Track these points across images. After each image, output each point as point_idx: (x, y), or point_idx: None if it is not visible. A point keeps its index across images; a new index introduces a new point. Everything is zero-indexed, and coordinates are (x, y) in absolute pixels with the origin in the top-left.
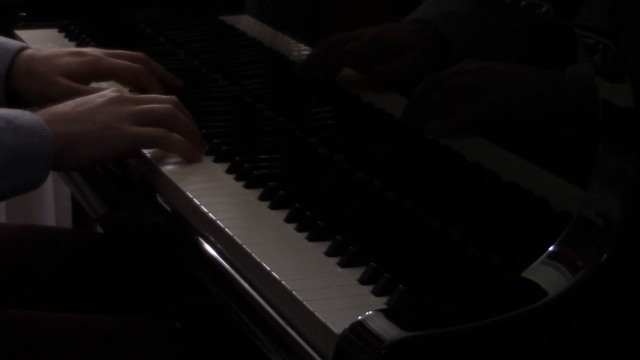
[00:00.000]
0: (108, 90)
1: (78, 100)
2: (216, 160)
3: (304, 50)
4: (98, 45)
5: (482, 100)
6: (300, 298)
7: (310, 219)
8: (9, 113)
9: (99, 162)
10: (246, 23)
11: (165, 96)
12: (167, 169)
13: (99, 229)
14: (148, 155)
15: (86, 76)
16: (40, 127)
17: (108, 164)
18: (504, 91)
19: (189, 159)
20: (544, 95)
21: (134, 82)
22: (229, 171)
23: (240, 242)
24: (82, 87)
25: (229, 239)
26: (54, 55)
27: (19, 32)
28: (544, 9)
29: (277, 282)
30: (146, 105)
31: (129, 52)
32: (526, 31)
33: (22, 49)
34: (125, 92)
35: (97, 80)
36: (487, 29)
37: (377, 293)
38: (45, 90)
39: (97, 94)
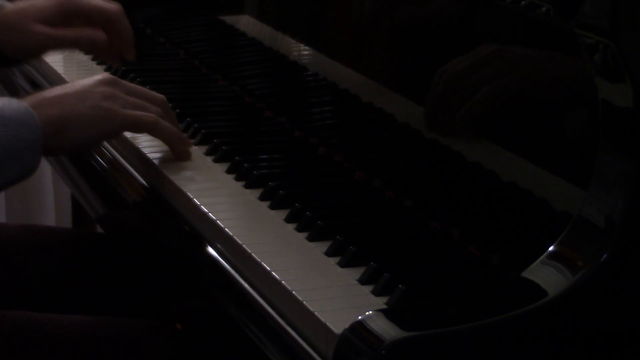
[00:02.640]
0: (100, 75)
1: (67, 84)
2: (216, 160)
3: (304, 50)
4: None
5: (496, 83)
6: (300, 298)
7: (310, 219)
8: None
9: (90, 144)
10: (246, 23)
11: (156, 95)
12: (168, 169)
13: (99, 229)
14: (149, 155)
15: (61, 18)
16: (28, 115)
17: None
18: (520, 73)
19: (177, 150)
20: (562, 77)
21: (107, 26)
22: (229, 171)
23: (240, 242)
24: (60, 33)
25: (229, 239)
26: (25, 4)
27: None
28: (544, 9)
29: (277, 282)
30: (139, 100)
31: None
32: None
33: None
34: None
35: (72, 23)
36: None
37: (377, 293)
38: (24, 41)
39: (87, 79)
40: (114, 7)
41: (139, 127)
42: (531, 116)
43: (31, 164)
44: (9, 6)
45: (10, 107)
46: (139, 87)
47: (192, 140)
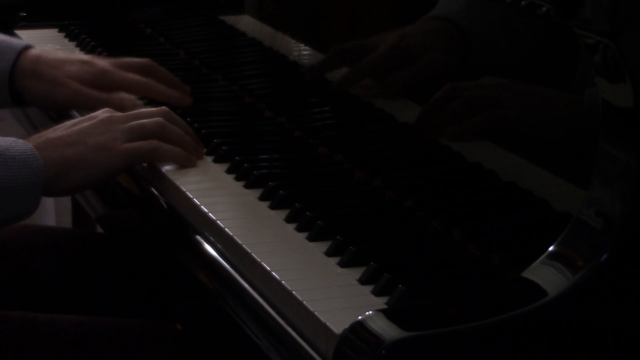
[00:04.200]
0: (99, 111)
1: (68, 123)
2: (216, 160)
3: (304, 50)
4: (99, 46)
5: (495, 111)
6: (300, 298)
7: (310, 219)
8: (1, 143)
9: (92, 185)
10: (246, 23)
11: (155, 109)
12: (167, 169)
13: (99, 229)
14: None
15: (95, 87)
16: (33, 157)
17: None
18: (518, 107)
19: (184, 166)
20: (559, 117)
21: (143, 95)
22: (229, 171)
23: (240, 242)
24: (91, 92)
25: (229, 239)
26: (64, 60)
27: (19, 32)
28: (544, 9)
29: (277, 282)
30: (136, 121)
31: (136, 59)
32: (544, 25)
33: (27, 47)
34: (134, 99)
35: (105, 91)
36: (507, 22)
37: (377, 293)
38: (52, 93)
39: (88, 116)
40: (148, 67)
41: (141, 158)
42: (543, 135)
43: (28, 206)
44: (46, 57)
45: (16, 147)
46: (135, 112)
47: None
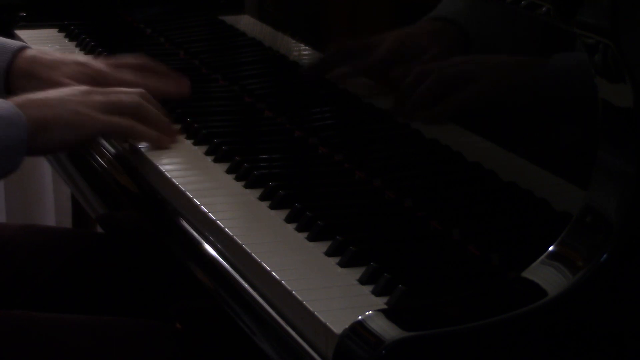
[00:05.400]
0: (78, 86)
1: (50, 89)
2: (216, 160)
3: (304, 50)
4: (99, 46)
5: (464, 90)
6: (300, 298)
7: (310, 219)
8: None
9: (68, 147)
10: (246, 23)
11: (132, 89)
12: (167, 168)
13: (99, 229)
14: (147, 154)
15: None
16: (17, 115)
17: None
18: (485, 81)
19: (158, 146)
20: (526, 84)
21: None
22: (229, 171)
23: (240, 242)
24: None
25: (229, 239)
26: (59, 61)
27: (19, 32)
28: (544, 9)
29: (277, 282)
30: (114, 95)
31: (130, 59)
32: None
33: (23, 47)
34: None
35: None
36: (509, 23)
37: (377, 293)
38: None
39: (69, 87)
40: (142, 66)
41: (117, 132)
42: (530, 116)
43: (15, 163)
44: (41, 58)
45: (2, 106)
46: (113, 89)
47: (191, 141)
